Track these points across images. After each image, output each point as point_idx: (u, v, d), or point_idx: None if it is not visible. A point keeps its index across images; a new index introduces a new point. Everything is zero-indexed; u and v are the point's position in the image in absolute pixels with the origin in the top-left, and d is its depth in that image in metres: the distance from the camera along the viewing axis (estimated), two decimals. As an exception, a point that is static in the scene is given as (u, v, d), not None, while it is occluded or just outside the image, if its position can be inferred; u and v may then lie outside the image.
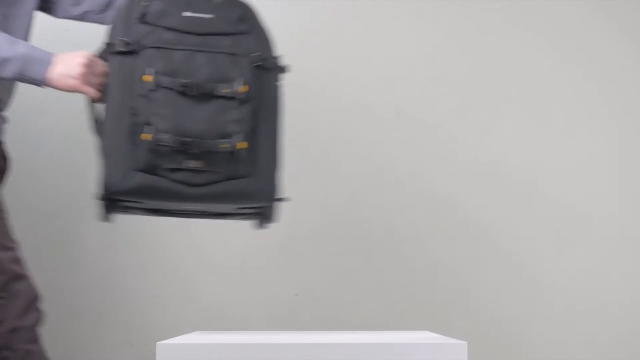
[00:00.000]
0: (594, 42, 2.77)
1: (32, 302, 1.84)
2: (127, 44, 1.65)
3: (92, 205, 2.60)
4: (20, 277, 1.82)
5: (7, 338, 1.78)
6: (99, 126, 1.70)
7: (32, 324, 1.84)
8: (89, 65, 1.72)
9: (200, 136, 1.62)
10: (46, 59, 1.72)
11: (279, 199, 1.72)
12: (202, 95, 1.64)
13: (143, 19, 1.68)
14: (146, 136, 1.60)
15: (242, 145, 1.64)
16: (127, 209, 1.70)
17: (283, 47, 2.57)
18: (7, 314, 1.78)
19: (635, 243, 2.73)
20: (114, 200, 1.66)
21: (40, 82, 1.73)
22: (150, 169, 1.62)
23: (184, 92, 1.63)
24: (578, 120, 2.74)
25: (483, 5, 2.76)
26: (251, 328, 2.39)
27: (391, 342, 1.58)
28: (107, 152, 1.64)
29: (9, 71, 1.70)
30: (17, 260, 1.85)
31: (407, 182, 2.66)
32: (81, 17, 2.05)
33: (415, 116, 2.72)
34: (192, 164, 1.62)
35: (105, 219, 1.67)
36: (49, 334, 2.62)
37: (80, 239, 2.66)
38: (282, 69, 1.77)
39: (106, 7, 2.01)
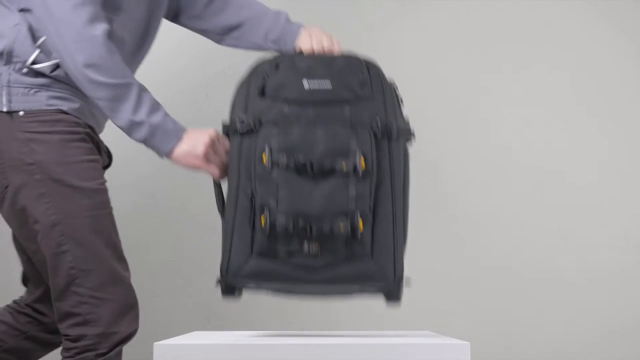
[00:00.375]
0: (593, 42, 2.76)
1: (128, 309, 1.79)
2: (244, 123, 1.61)
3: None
4: (121, 279, 1.79)
5: (97, 342, 1.74)
6: (223, 207, 1.68)
7: (126, 333, 1.78)
8: (212, 145, 1.70)
9: (318, 218, 1.55)
10: (176, 134, 1.71)
11: (402, 279, 1.63)
12: (320, 172, 1.57)
13: (262, 93, 1.63)
14: (264, 220, 1.56)
15: (361, 224, 1.56)
16: (247, 289, 1.65)
17: None
18: (99, 315, 1.74)
19: (637, 243, 2.71)
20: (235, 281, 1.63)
21: (161, 154, 1.73)
22: (269, 253, 1.58)
23: (301, 170, 1.57)
24: (580, 119, 2.73)
25: (487, 3, 2.75)
26: (250, 328, 2.38)
27: (393, 343, 1.56)
28: (228, 235, 1.61)
29: (138, 135, 1.70)
30: (121, 260, 1.82)
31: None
32: (201, 33, 2.06)
33: (418, 115, 2.69)
34: (310, 247, 1.56)
35: (228, 297, 1.64)
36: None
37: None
38: (409, 134, 1.68)
39: (226, 31, 2.01)
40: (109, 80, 1.68)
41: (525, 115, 2.72)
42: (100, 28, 1.68)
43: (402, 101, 1.72)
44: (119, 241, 1.82)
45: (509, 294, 2.66)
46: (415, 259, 2.66)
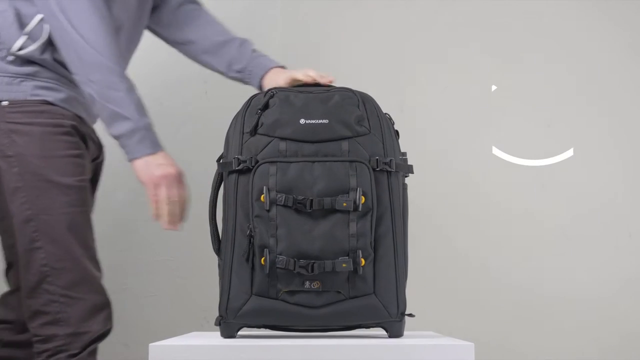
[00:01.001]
0: (589, 41, 2.74)
1: (100, 309, 1.76)
2: (241, 162, 1.59)
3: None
4: (92, 278, 1.75)
5: (68, 342, 1.70)
6: (219, 246, 1.67)
7: (98, 332, 1.75)
8: (173, 179, 1.71)
9: (318, 257, 1.53)
10: (153, 147, 1.72)
11: (404, 315, 1.62)
12: (319, 210, 1.55)
13: (258, 131, 1.61)
14: (263, 260, 1.54)
15: (362, 262, 1.54)
16: (247, 327, 1.63)
17: (285, 42, 2.56)
18: (69, 315, 1.70)
19: (641, 241, 2.69)
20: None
21: (130, 157, 1.72)
22: (269, 293, 1.56)
23: (300, 209, 1.55)
24: (584, 116, 2.70)
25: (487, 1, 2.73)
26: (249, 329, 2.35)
27: (397, 344, 1.53)
28: (226, 274, 1.59)
29: (118, 129, 1.69)
30: (94, 260, 1.78)
31: (408, 179, 2.64)
32: (165, 40, 2.07)
33: (419, 112, 2.68)
34: (311, 285, 1.55)
35: (227, 336, 1.61)
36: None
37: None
38: (407, 169, 1.68)
39: (186, 43, 2.03)
40: (105, 61, 1.64)
41: (528, 114, 2.69)
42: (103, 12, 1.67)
43: (398, 134, 1.71)
44: (93, 240, 1.79)
45: (511, 293, 2.64)
46: (417, 258, 2.65)
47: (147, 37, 2.71)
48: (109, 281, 2.60)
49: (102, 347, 2.61)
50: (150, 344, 1.50)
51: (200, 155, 2.64)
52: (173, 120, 2.70)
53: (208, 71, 2.71)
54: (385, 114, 1.69)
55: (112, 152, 2.65)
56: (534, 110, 2.69)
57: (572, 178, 2.68)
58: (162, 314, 2.60)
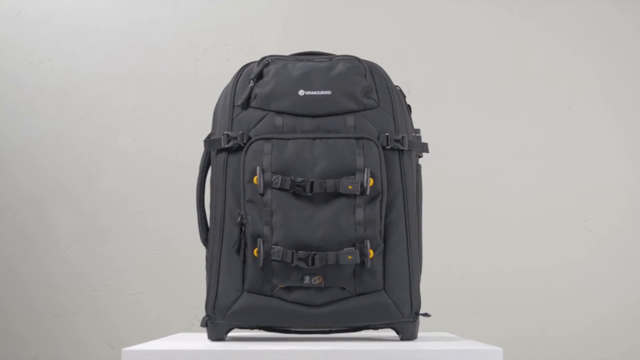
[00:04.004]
0: (606, 38, 2.65)
1: None
2: (231, 139, 1.43)
3: (66, 193, 2.51)
4: None
5: None
6: (207, 235, 1.50)
7: None
8: None
9: (319, 247, 1.38)
10: None
11: (419, 314, 1.46)
12: (321, 194, 1.40)
13: (251, 104, 1.45)
14: (256, 251, 1.38)
15: (371, 254, 1.38)
16: (238, 327, 1.47)
17: (287, 26, 2.46)
18: None
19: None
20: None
21: None
22: (263, 289, 1.40)
23: (298, 192, 1.39)
24: (602, 105, 2.63)
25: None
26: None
27: (411, 348, 1.36)
28: (214, 268, 1.44)
29: None
30: None
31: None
32: None
33: (426, 94, 2.58)
34: (311, 280, 1.39)
35: (215, 339, 1.45)
36: (19, 335, 2.47)
37: (52, 229, 2.56)
38: (422, 148, 1.51)
39: None
40: None
41: (545, 95, 2.61)
42: None
43: (410, 109, 1.56)
44: None
45: (528, 288, 2.55)
46: (429, 252, 2.54)
47: (136, 19, 2.57)
48: (92, 277, 2.49)
49: (86, 348, 2.48)
50: (123, 349, 1.33)
51: (190, 140, 2.52)
52: (160, 103, 2.61)
53: (200, 49, 2.58)
54: (396, 86, 1.54)
55: (97, 144, 2.54)
56: (552, 96, 2.61)
57: (591, 167, 2.60)
58: (149, 312, 2.52)
